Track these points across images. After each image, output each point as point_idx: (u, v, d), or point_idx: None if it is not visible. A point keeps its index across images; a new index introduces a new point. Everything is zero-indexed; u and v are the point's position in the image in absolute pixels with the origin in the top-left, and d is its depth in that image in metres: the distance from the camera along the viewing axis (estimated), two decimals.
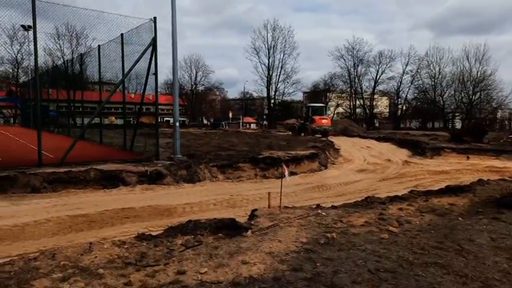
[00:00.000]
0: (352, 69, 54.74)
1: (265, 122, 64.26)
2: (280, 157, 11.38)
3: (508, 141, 18.95)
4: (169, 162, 9.98)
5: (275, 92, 57.37)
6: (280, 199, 5.76)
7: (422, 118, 53.93)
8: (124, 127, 12.86)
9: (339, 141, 20.58)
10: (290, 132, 27.85)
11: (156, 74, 10.39)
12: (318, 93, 57.99)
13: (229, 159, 10.92)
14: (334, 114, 57.75)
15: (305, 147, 14.71)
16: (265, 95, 58.97)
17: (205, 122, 66.29)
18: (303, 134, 25.27)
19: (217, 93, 76.38)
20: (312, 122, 25.27)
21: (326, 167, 12.74)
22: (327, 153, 14.74)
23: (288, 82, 56.34)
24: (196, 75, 61.60)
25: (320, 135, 24.00)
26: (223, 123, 52.29)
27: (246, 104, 77.84)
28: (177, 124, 11.08)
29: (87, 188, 8.16)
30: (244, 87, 68.87)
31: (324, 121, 25.60)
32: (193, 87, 61.65)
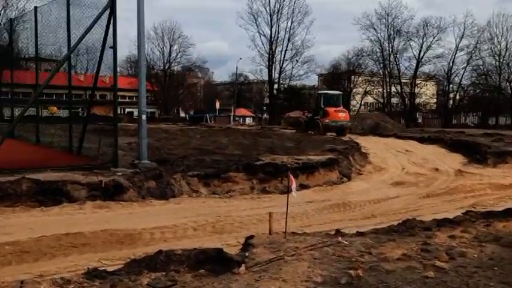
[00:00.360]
0: (386, 44, 55.25)
1: (265, 116, 64.54)
2: (285, 164, 11.42)
3: None
4: (132, 170, 9.99)
5: (279, 73, 57.35)
6: (286, 222, 5.77)
7: (482, 111, 54.17)
8: (70, 121, 12.86)
9: (367, 142, 20.70)
10: (293, 130, 28.27)
11: (114, 47, 10.40)
12: (339, 76, 58.28)
13: (216, 166, 10.96)
14: (360, 105, 58.18)
15: (320, 150, 14.79)
16: (265, 78, 58.93)
17: (182, 114, 66.48)
18: (311, 132, 25.74)
19: (200, 75, 76.58)
20: (325, 116, 25.69)
21: (349, 178, 12.80)
22: (351, 159, 14.83)
23: (297, 60, 56.42)
24: (170, 50, 61.80)
25: (335, 134, 24.41)
26: (207, 116, 52.47)
27: (240, 90, 77.97)
28: (144, 117, 11.09)
29: (17, 206, 8.14)
30: (236, 68, 69.15)
31: (341, 114, 26.00)
32: (167, 67, 61.86)
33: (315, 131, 25.93)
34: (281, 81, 58.76)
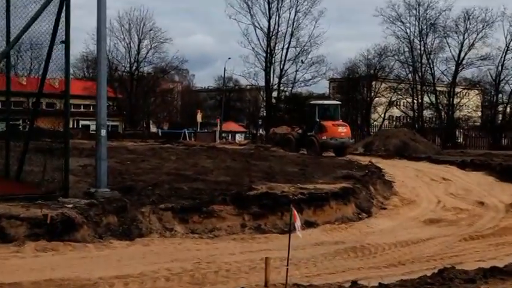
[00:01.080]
0: (416, 41, 55.59)
1: (260, 132, 64.57)
2: (287, 195, 11.45)
3: None
4: (87, 201, 9.95)
5: (280, 78, 57.86)
6: (287, 271, 5.76)
7: None
8: (6, 137, 12.81)
9: (392, 167, 20.79)
10: (280, 149, 29.51)
11: (67, 42, 10.44)
12: (356, 81, 58.80)
13: (197, 197, 10.96)
14: (383, 119, 58.61)
15: (332, 177, 14.89)
16: (262, 83, 59.26)
17: (154, 129, 66.56)
18: (303, 152, 27.05)
19: (177, 78, 77.08)
20: (322, 132, 27.13)
21: (369, 214, 12.83)
22: (372, 188, 14.90)
23: (302, 61, 57.19)
24: (139, 46, 62.16)
25: (332, 154, 25.77)
26: (185, 132, 52.63)
27: (228, 98, 78.24)
28: (104, 133, 11.09)
29: None
30: (224, 70, 68.89)
31: (341, 130, 27.52)
32: (135, 68, 62.26)
33: (309, 150, 27.00)
34: (282, 88, 59.37)
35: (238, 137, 66.44)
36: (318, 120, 27.62)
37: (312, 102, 34.50)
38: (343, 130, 27.48)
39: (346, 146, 27.09)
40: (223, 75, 68.25)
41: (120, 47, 61.60)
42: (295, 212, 6.13)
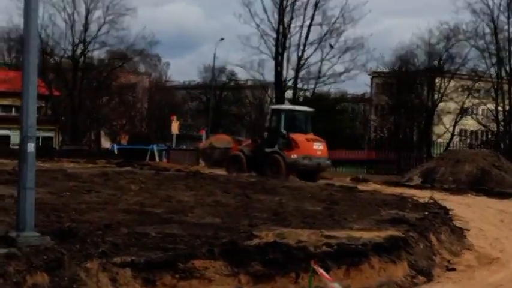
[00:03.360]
0: (504, 17, 55.26)
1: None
2: (305, 246, 11.40)
3: None
4: (4, 250, 9.92)
5: (297, 69, 58.08)
6: None
7: None
8: None
9: (465, 207, 20.71)
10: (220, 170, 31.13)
11: None
12: (412, 77, 58.78)
13: (169, 247, 10.91)
14: (452, 134, 58.26)
15: (373, 221, 14.88)
16: (270, 78, 59.93)
17: (106, 144, 66.41)
18: (252, 174, 28.52)
19: (143, 69, 76.91)
20: (291, 148, 29.54)
21: (430, 277, 12.81)
22: (433, 239, 14.87)
23: (331, 46, 57.35)
24: (87, 19, 62.44)
25: (297, 177, 27.64)
26: (155, 149, 52.56)
27: (219, 99, 77.78)
28: (31, 148, 11.06)
29: None
30: (214, 57, 68.56)
31: (317, 146, 30.18)
32: (80, 53, 62.27)
33: (269, 172, 28.67)
34: (300, 85, 59.44)
35: None
36: (284, 132, 29.53)
37: (274, 107, 36.51)
38: (319, 147, 29.71)
39: (322, 169, 29.82)
40: (212, 65, 68.25)
41: (59, 21, 61.71)
42: (321, 271, 6.12)
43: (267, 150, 29.88)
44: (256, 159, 30.24)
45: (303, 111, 33.42)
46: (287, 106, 36.82)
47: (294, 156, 28.81)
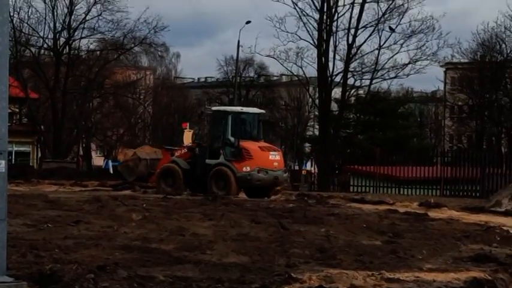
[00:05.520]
0: None
1: (308, 167, 64.08)
2: None
3: None
4: None
5: (347, 61, 57.94)
6: None
7: None
8: None
9: None
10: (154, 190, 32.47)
11: None
12: (500, 68, 58.32)
13: None
14: None
15: (450, 258, 14.87)
16: (312, 73, 59.56)
17: (99, 161, 66.40)
18: (187, 192, 30.53)
19: (147, 63, 77.09)
20: (242, 159, 30.80)
21: None
22: None
23: (392, 29, 56.98)
24: (72, 6, 62.42)
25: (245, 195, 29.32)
26: None
27: (245, 100, 77.45)
28: (2, 167, 11.16)
29: None
30: (238, 45, 68.38)
31: (273, 157, 31.63)
32: (64, 42, 62.49)
33: (216, 189, 30.29)
34: (352, 81, 59.28)
35: None
36: (232, 139, 30.67)
37: (216, 109, 38.80)
38: (275, 158, 31.16)
39: (280, 184, 31.26)
40: (235, 56, 68.26)
41: (37, 1, 61.94)
42: None
43: (209, 161, 31.11)
44: (194, 172, 31.60)
45: (253, 114, 34.32)
46: (233, 108, 37.77)
47: (246, 169, 30.01)
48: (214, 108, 40.05)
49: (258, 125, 33.35)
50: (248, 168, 29.98)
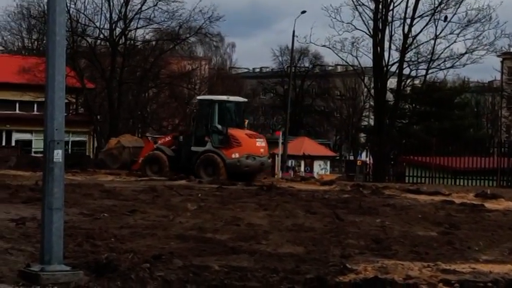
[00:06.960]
0: None
1: (363, 158, 63.76)
2: (416, 283, 11.28)
3: None
4: None
5: (403, 51, 57.49)
6: None
7: None
8: None
9: None
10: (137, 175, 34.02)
11: None
12: None
13: (237, 285, 10.88)
14: None
15: (505, 249, 14.80)
16: (367, 62, 59.27)
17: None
18: (175, 177, 31.26)
19: (202, 53, 76.96)
20: (230, 146, 32.01)
21: None
22: None
23: (447, 19, 56.50)
24: None
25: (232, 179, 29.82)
26: None
27: (300, 91, 77.43)
28: (59, 156, 11.18)
29: None
30: (293, 35, 68.12)
31: (260, 143, 33.19)
32: (120, 33, 62.58)
33: (204, 174, 31.20)
34: (408, 71, 58.78)
35: (319, 168, 66.38)
36: (219, 126, 31.89)
37: (202, 98, 41.31)
38: (261, 145, 32.56)
39: (263, 169, 32.50)
40: (290, 47, 68.14)
41: None
42: None
43: (195, 149, 32.08)
44: (179, 159, 32.68)
45: (236, 102, 36.00)
46: (218, 97, 38.47)
47: (235, 155, 31.05)
48: (199, 97, 42.39)
49: (241, 113, 34.89)
50: (237, 155, 31.13)
